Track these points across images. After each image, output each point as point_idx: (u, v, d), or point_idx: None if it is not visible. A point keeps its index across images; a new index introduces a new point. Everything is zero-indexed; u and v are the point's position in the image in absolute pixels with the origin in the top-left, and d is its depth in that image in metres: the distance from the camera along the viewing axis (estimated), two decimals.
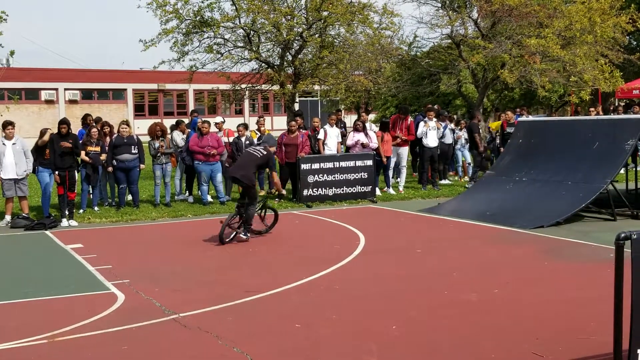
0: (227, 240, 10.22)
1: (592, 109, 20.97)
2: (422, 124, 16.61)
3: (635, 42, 35.76)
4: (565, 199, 11.57)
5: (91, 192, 13.72)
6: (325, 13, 20.00)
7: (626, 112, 20.99)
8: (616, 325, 4.19)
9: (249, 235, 10.42)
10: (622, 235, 4.15)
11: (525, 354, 5.26)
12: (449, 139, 17.34)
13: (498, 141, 17.75)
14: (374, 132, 16.07)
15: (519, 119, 17.36)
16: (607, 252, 8.52)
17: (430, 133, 16.41)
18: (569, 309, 6.50)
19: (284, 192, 12.49)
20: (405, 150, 16.44)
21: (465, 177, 18.05)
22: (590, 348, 5.22)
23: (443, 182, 17.28)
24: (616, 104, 25.30)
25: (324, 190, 14.60)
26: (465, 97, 27.35)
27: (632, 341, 4.17)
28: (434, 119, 16.71)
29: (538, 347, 5.37)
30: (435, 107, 18.56)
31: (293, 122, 15.23)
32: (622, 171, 13.19)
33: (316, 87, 24.57)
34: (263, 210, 11.07)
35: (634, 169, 13.68)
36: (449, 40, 23.04)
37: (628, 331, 4.17)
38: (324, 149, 15.39)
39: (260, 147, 11.23)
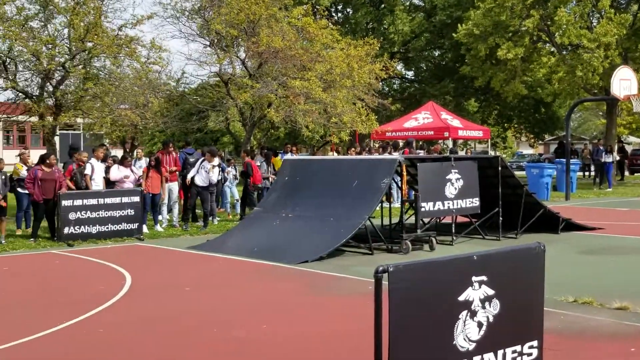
0: None
1: (352, 149, 22.33)
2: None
3: (387, 88, 38.91)
4: (327, 234, 12.12)
5: None
6: (89, 44, 19.34)
7: (382, 152, 22.58)
8: (376, 354, 4.43)
9: None
10: (380, 268, 4.42)
11: None
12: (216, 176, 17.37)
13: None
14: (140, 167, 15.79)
15: (285, 156, 17.94)
16: (366, 285, 9.03)
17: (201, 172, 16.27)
18: (330, 341, 6.78)
19: None
20: (175, 186, 16.30)
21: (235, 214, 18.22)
22: None
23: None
24: (371, 145, 27.18)
25: (87, 228, 13.93)
26: (233, 134, 27.75)
27: None
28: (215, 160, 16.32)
29: None
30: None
31: (53, 156, 14.45)
32: (377, 208, 14.10)
33: (79, 119, 23.55)
34: None
35: (388, 206, 14.70)
36: (217, 78, 23.33)
37: None
38: (91, 184, 14.76)
39: None
